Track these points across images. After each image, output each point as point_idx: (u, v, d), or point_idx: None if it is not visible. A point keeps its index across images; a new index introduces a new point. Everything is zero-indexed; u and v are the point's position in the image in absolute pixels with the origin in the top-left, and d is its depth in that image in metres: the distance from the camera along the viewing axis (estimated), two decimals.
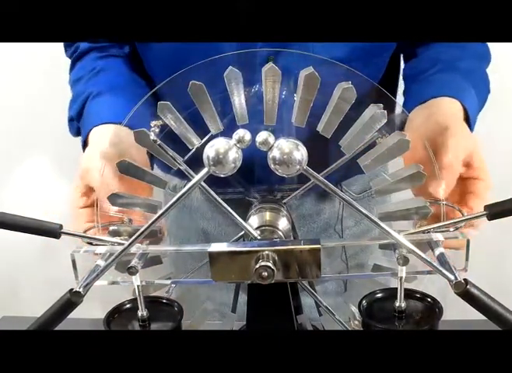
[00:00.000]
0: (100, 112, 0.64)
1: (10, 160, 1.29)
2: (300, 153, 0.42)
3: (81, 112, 0.68)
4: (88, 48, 0.74)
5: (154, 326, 0.50)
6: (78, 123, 0.69)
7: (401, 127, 0.56)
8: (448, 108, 0.60)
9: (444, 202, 0.52)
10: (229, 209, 0.49)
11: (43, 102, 1.19)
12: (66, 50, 0.78)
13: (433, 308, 0.48)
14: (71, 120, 0.72)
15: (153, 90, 0.53)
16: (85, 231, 0.54)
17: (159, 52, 0.70)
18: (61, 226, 0.49)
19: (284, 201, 0.55)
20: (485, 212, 0.47)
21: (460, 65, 0.66)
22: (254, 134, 0.42)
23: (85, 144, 0.63)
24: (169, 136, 0.48)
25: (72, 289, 0.45)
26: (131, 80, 0.72)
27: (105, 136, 0.56)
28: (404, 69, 0.71)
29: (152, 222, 0.45)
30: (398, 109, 0.56)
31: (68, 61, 0.78)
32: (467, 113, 0.61)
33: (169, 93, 0.51)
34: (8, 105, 1.22)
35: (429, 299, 0.49)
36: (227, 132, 0.44)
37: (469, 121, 0.61)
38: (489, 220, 0.47)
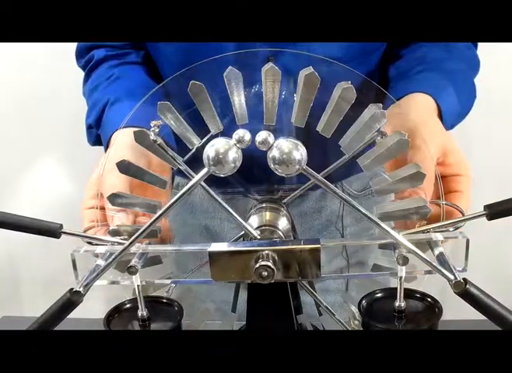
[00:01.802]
0: (120, 117, 0.64)
1: (20, 161, 1.29)
2: (300, 153, 0.42)
3: (99, 119, 0.68)
4: (103, 57, 0.74)
5: (154, 326, 0.50)
6: (98, 131, 0.69)
7: None
8: (419, 105, 0.60)
9: (444, 202, 0.52)
10: (229, 209, 0.49)
11: (52, 104, 1.20)
12: (78, 61, 0.78)
13: (432, 308, 0.49)
14: (89, 128, 0.72)
15: (152, 91, 0.53)
16: (85, 231, 0.54)
17: (168, 54, 0.71)
18: (61, 226, 0.49)
19: (284, 201, 0.55)
20: (484, 212, 0.47)
21: (443, 66, 0.66)
22: (253, 133, 0.42)
23: (107, 150, 0.63)
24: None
25: (72, 289, 0.45)
26: (148, 85, 0.71)
27: (125, 139, 0.56)
28: (389, 70, 0.71)
29: (153, 222, 0.45)
30: None
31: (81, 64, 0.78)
32: (441, 109, 0.60)
33: (174, 93, 0.51)
34: (16, 107, 1.23)
35: (428, 299, 0.49)
36: (227, 132, 0.44)
37: (445, 117, 0.60)
38: (489, 220, 0.47)
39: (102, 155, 0.59)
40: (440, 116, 0.61)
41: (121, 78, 0.71)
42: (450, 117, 0.62)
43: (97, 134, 0.70)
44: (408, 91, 0.61)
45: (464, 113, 0.67)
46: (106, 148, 0.64)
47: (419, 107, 0.60)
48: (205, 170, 0.44)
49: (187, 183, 0.45)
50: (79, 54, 0.77)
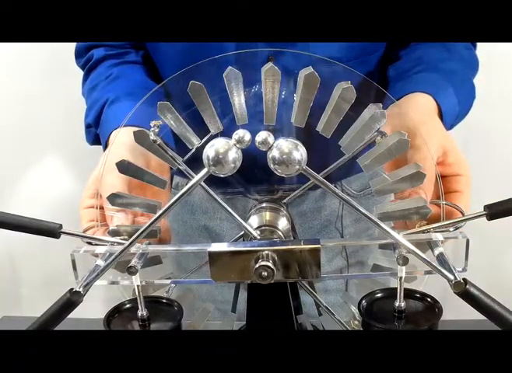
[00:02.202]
0: (118, 116, 0.63)
1: (20, 161, 1.30)
2: (300, 153, 0.42)
3: (98, 118, 0.68)
4: (103, 56, 0.74)
5: (154, 326, 0.50)
6: (97, 130, 0.69)
7: None
8: (419, 105, 0.60)
9: (444, 202, 0.52)
10: (229, 209, 0.49)
11: (52, 104, 1.20)
12: (77, 60, 0.78)
13: (432, 308, 0.49)
14: (88, 127, 0.72)
15: (152, 91, 0.53)
16: (84, 231, 0.54)
17: (169, 56, 0.71)
18: (60, 226, 0.49)
19: (284, 201, 0.55)
20: (484, 212, 0.47)
21: (442, 66, 0.66)
22: (253, 134, 0.42)
23: (105, 150, 0.63)
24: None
25: (72, 289, 0.45)
26: (148, 85, 0.71)
27: (124, 139, 0.56)
28: (388, 71, 0.72)
29: (152, 222, 0.45)
30: None
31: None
32: (441, 109, 0.60)
33: (174, 93, 0.51)
34: (15, 107, 1.23)
35: (428, 299, 0.49)
36: (227, 132, 0.44)
37: (445, 117, 0.60)
38: (489, 220, 0.47)
39: (101, 154, 0.59)
40: (440, 116, 0.61)
41: (120, 78, 0.71)
42: (449, 117, 0.62)
43: (96, 134, 0.70)
44: (408, 91, 0.61)
45: (464, 113, 0.67)
46: (105, 147, 0.64)
47: (419, 107, 0.60)
48: (204, 170, 0.43)
49: (186, 183, 0.45)
50: (79, 54, 0.77)
